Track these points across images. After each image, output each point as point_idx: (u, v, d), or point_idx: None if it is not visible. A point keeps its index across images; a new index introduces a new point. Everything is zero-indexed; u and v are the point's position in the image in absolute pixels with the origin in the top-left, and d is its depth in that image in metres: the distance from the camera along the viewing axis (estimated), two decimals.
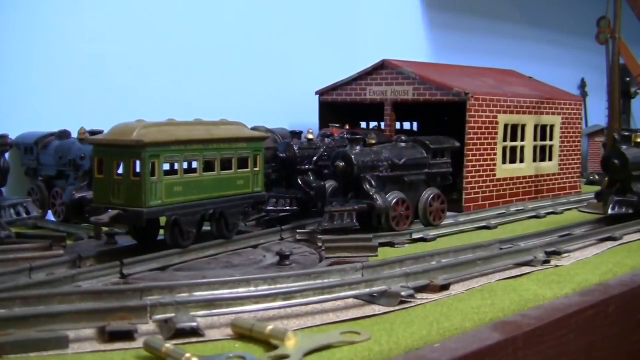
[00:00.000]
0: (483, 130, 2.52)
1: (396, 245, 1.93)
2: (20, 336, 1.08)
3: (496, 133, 2.57)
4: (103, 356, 1.08)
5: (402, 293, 1.35)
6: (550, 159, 2.88)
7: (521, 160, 2.74)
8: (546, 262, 1.71)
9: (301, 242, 1.88)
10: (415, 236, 2.02)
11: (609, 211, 2.21)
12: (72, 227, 2.01)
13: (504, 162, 2.64)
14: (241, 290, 1.31)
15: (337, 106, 2.82)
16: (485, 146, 2.53)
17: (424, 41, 3.72)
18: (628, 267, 1.73)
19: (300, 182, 2.12)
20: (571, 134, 2.97)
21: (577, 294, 1.50)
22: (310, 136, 2.20)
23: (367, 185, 2.00)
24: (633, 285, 1.60)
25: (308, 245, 1.85)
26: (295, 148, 2.13)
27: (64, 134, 2.19)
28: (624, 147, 2.29)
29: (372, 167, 2.03)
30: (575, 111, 2.99)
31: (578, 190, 3.01)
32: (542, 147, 2.83)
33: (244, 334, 1.15)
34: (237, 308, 1.23)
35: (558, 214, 2.55)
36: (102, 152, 1.59)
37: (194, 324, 1.15)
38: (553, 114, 2.87)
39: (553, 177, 2.89)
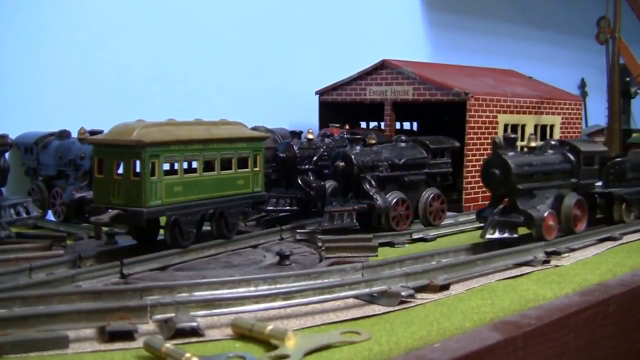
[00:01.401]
0: (483, 131, 2.52)
1: (396, 245, 1.93)
2: (20, 336, 1.08)
3: (496, 133, 2.57)
4: (103, 356, 1.08)
5: (402, 293, 1.35)
6: None
7: None
8: (546, 262, 1.71)
9: (301, 242, 1.89)
10: (415, 236, 2.02)
11: (487, 235, 1.79)
12: (72, 227, 2.01)
13: None
14: (241, 291, 1.31)
15: (337, 106, 2.83)
16: (486, 146, 2.53)
17: (424, 41, 3.72)
18: (628, 267, 1.73)
19: (300, 182, 2.12)
20: (571, 134, 2.97)
21: (577, 294, 1.50)
22: (310, 136, 2.20)
23: (367, 185, 2.00)
24: (633, 285, 1.60)
25: (308, 245, 1.85)
26: (296, 148, 2.13)
27: (64, 134, 2.19)
28: (510, 153, 1.83)
29: (372, 167, 2.03)
30: (575, 111, 2.99)
31: None
32: None
33: (244, 334, 1.15)
34: (237, 308, 1.23)
35: None
36: (102, 152, 1.59)
37: (194, 324, 1.15)
38: (553, 114, 2.87)
39: None
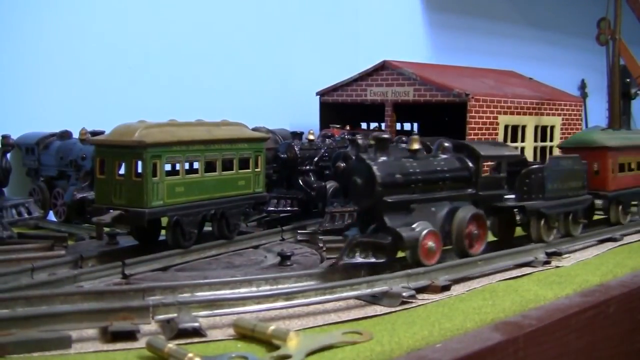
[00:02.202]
0: (484, 131, 2.52)
1: None
2: (23, 336, 1.08)
3: (497, 134, 2.58)
4: (106, 356, 1.08)
5: (404, 294, 1.36)
6: None
7: None
8: (547, 262, 1.72)
9: (302, 243, 1.89)
10: None
11: (343, 259, 1.42)
12: (74, 228, 2.01)
13: None
14: (243, 291, 1.32)
15: (338, 107, 2.83)
16: None
17: (424, 42, 3.72)
18: (628, 268, 1.73)
19: (301, 183, 2.12)
20: (572, 135, 2.97)
21: (578, 294, 1.51)
22: (311, 137, 2.21)
23: None
24: (633, 286, 1.60)
25: (309, 245, 1.85)
26: (297, 149, 2.13)
27: (65, 135, 2.20)
28: (380, 158, 1.50)
29: None
30: (575, 112, 2.99)
31: None
32: (543, 149, 2.83)
33: (246, 334, 1.16)
34: (239, 308, 1.23)
35: None
36: (104, 152, 1.60)
37: (196, 324, 1.16)
38: (553, 115, 2.87)
39: None
